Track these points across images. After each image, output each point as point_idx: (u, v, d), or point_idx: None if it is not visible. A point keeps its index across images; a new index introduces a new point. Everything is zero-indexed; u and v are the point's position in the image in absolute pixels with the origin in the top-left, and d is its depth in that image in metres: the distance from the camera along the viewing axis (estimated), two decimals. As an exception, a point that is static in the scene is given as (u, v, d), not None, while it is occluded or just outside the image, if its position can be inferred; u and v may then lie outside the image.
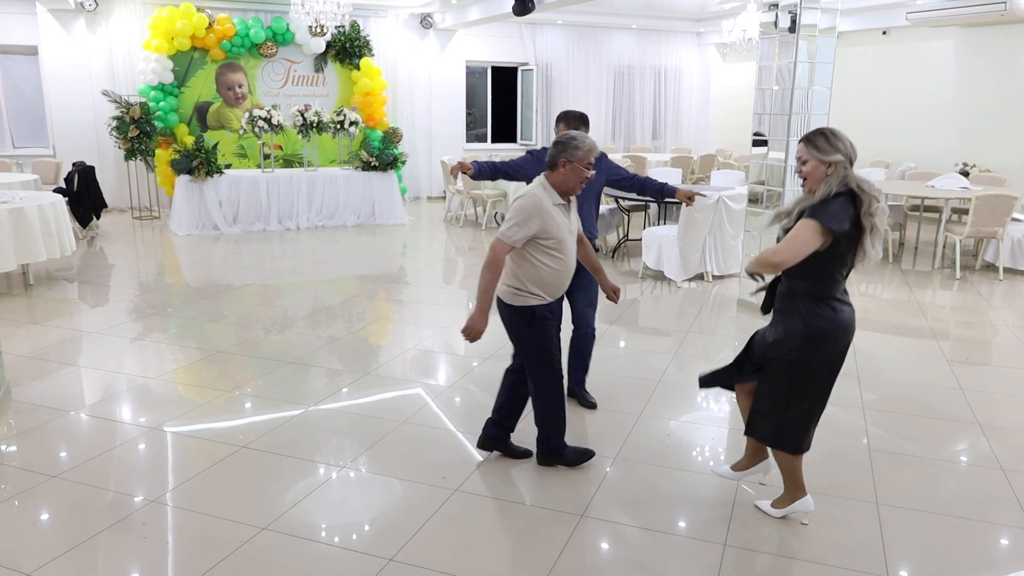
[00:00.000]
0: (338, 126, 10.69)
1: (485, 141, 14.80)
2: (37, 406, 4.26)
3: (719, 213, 7.36)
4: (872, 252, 2.79)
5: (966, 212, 8.04)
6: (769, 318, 3.11)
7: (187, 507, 3.24)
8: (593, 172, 3.32)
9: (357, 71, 11.76)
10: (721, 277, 7.57)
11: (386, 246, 9.51)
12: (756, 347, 3.12)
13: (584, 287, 4.14)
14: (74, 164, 9.54)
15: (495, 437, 3.68)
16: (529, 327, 3.37)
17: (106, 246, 9.11)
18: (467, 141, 14.32)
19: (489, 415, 3.69)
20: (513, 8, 10.02)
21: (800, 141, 2.91)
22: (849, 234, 2.74)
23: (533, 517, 3.23)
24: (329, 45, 11.59)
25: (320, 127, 10.55)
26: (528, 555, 2.97)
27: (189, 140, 10.34)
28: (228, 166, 10.50)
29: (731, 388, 3.29)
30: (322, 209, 10.66)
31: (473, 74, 14.30)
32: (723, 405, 4.42)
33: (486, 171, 4.21)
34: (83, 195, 9.26)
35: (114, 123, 10.18)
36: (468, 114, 14.31)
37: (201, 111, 11.25)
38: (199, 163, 9.73)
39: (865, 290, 7.42)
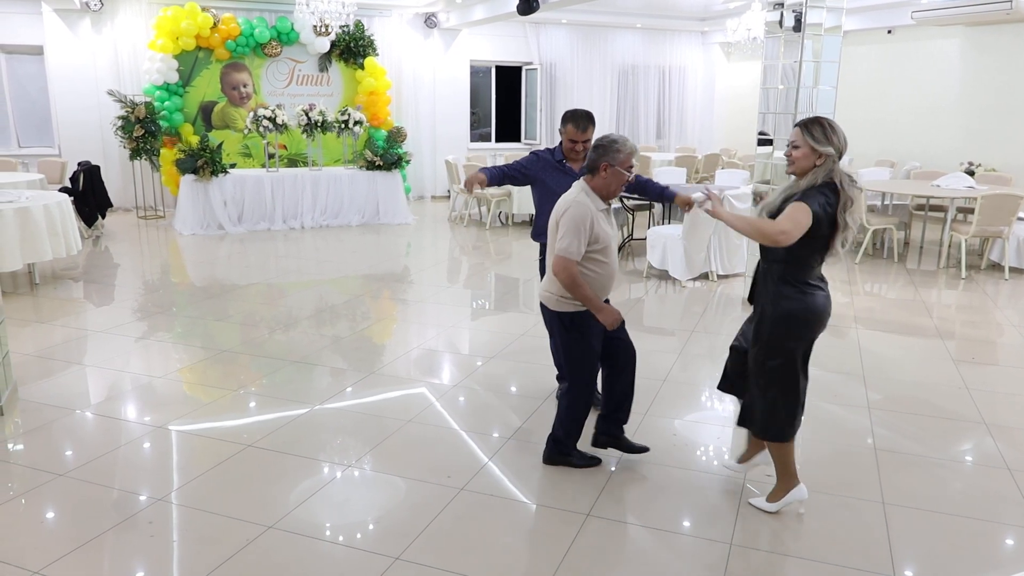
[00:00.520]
0: (342, 125, 10.70)
1: (489, 140, 14.79)
2: (43, 405, 4.27)
3: (724, 212, 7.34)
4: (839, 247, 2.93)
5: (972, 211, 8.02)
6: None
7: (193, 506, 3.24)
8: (634, 175, 3.32)
9: (361, 70, 11.76)
10: (726, 277, 7.56)
11: (390, 245, 9.51)
12: (742, 346, 3.22)
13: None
14: (79, 164, 9.57)
15: (605, 432, 3.64)
16: (567, 333, 3.36)
17: (111, 245, 9.13)
18: (471, 140, 14.32)
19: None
20: (517, 7, 10.01)
21: (796, 125, 2.98)
22: (831, 219, 2.86)
23: (539, 516, 3.23)
24: (333, 45, 11.59)
25: (324, 127, 10.56)
26: (534, 554, 2.97)
27: (194, 140, 10.35)
28: (233, 166, 10.51)
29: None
30: (326, 208, 10.67)
31: (477, 73, 14.30)
32: (727, 405, 4.41)
33: (495, 177, 4.20)
34: (88, 195, 9.28)
35: (119, 123, 10.20)
36: (472, 113, 14.31)
37: (206, 111, 11.27)
38: (204, 163, 9.75)
39: (871, 289, 7.40)
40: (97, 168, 9.80)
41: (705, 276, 7.52)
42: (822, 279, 3.01)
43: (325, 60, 11.81)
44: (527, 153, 4.31)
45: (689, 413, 4.34)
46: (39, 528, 3.09)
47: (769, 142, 6.39)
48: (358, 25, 11.60)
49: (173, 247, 9.21)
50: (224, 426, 4.08)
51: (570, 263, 3.19)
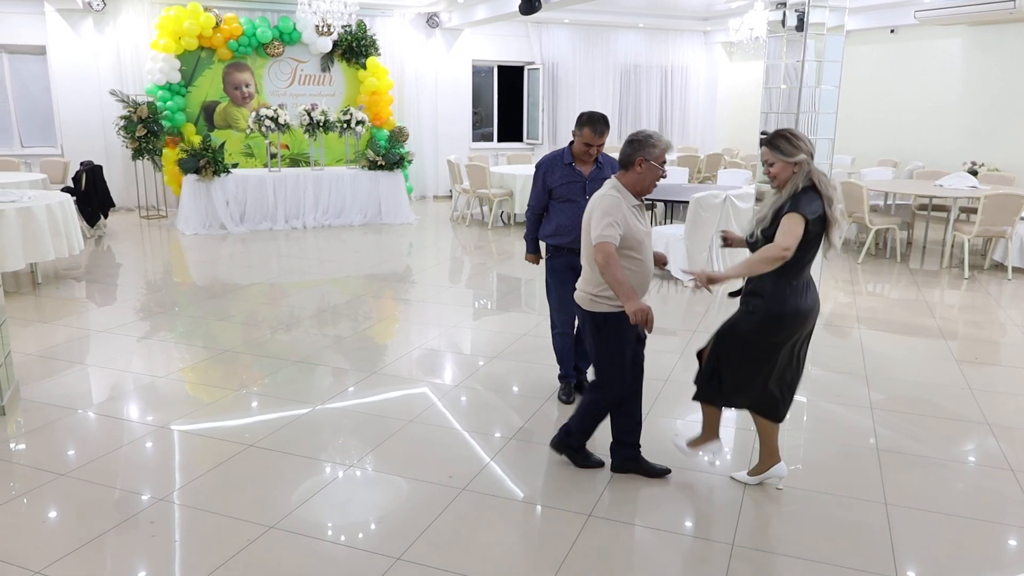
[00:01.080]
0: (344, 125, 10.70)
1: (491, 140, 14.79)
2: (46, 405, 4.28)
3: (726, 212, 7.34)
4: (836, 242, 3.11)
5: (974, 211, 8.00)
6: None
7: (194, 505, 3.24)
8: (666, 171, 3.31)
9: (363, 70, 11.76)
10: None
11: (392, 245, 9.52)
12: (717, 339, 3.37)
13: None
14: (82, 163, 9.57)
15: (623, 457, 3.57)
16: (599, 333, 3.33)
17: (114, 245, 9.14)
18: (473, 140, 14.32)
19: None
20: (519, 7, 10.01)
21: (763, 144, 3.14)
22: (821, 219, 3.02)
23: (541, 516, 3.23)
24: (336, 44, 11.59)
25: (327, 126, 10.57)
26: (536, 554, 2.97)
27: (196, 139, 10.36)
28: (235, 165, 10.51)
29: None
30: (328, 208, 10.68)
31: (479, 73, 14.30)
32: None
33: (532, 227, 4.31)
34: (91, 194, 9.29)
35: (122, 122, 10.21)
36: (474, 113, 14.30)
37: (208, 110, 11.28)
38: (206, 162, 9.75)
39: (873, 289, 7.39)
40: (99, 168, 9.81)
41: (707, 276, 7.50)
42: (810, 277, 3.19)
43: (327, 60, 11.82)
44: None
45: (691, 413, 4.32)
46: (41, 528, 3.09)
47: (771, 142, 6.37)
48: (360, 25, 11.60)
49: (175, 247, 9.22)
50: (226, 426, 4.08)
51: (607, 244, 3.09)
